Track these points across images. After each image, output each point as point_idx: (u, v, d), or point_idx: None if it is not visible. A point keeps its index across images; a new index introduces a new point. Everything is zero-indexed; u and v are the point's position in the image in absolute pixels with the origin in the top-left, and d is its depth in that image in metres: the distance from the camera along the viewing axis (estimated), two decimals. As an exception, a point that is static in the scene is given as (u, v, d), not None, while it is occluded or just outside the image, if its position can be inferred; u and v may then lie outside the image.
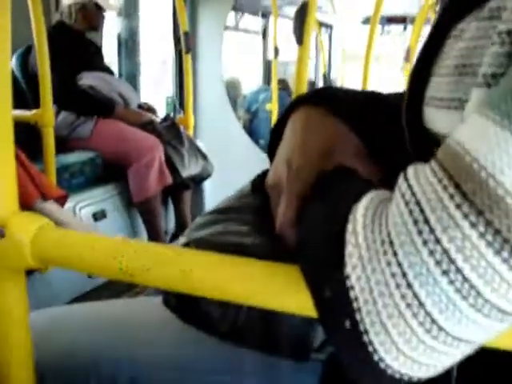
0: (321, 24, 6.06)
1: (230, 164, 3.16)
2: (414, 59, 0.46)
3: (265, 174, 0.56)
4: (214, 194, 3.16)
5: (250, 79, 5.59)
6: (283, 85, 5.06)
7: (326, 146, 0.48)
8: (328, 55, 6.95)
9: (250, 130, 4.86)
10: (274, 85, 3.82)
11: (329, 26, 6.98)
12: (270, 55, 3.85)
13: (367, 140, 0.51)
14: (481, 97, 0.30)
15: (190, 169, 2.67)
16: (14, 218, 0.52)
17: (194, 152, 2.74)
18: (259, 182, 0.58)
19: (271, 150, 0.57)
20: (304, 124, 0.52)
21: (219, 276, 0.43)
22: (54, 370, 0.64)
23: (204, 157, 2.80)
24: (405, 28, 6.51)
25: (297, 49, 1.74)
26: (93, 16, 2.68)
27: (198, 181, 2.81)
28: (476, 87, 0.32)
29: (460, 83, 0.37)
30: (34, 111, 2.03)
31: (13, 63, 2.60)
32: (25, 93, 2.58)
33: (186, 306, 0.56)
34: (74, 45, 2.62)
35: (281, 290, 0.42)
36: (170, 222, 2.90)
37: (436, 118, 0.40)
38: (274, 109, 3.78)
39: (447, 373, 0.48)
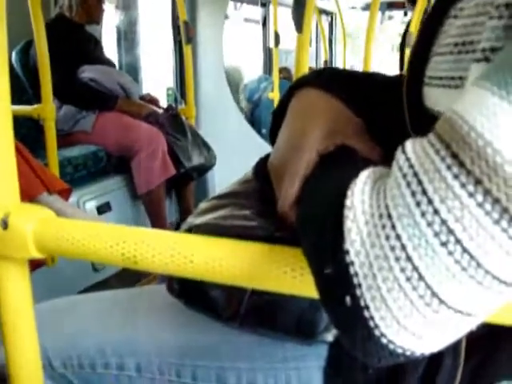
0: (321, 11, 6.03)
1: (233, 154, 3.15)
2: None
3: (267, 157, 0.56)
4: (218, 184, 3.16)
5: (251, 68, 5.56)
6: (286, 73, 5.02)
7: (328, 126, 0.48)
8: (329, 42, 6.92)
9: (252, 119, 4.83)
10: (276, 73, 3.80)
11: (329, 13, 6.95)
12: (271, 44, 3.82)
13: (367, 120, 0.51)
14: (480, 71, 0.30)
15: (193, 159, 2.66)
16: (16, 209, 0.52)
17: (196, 143, 2.73)
18: (261, 165, 0.58)
19: (273, 133, 0.57)
20: (305, 105, 0.52)
21: (221, 260, 0.43)
22: (60, 358, 0.64)
23: (207, 147, 2.80)
24: (405, 13, 6.45)
25: (296, 37, 1.73)
26: (93, 9, 2.67)
27: (201, 171, 2.80)
28: (475, 62, 0.31)
29: (460, 61, 0.37)
30: (35, 106, 2.03)
31: (13, 59, 2.60)
32: (27, 90, 2.58)
33: (190, 291, 0.56)
34: (75, 38, 2.61)
35: (284, 273, 0.41)
36: (174, 213, 2.90)
37: (436, 98, 0.40)
38: (276, 97, 3.75)
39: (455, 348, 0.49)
